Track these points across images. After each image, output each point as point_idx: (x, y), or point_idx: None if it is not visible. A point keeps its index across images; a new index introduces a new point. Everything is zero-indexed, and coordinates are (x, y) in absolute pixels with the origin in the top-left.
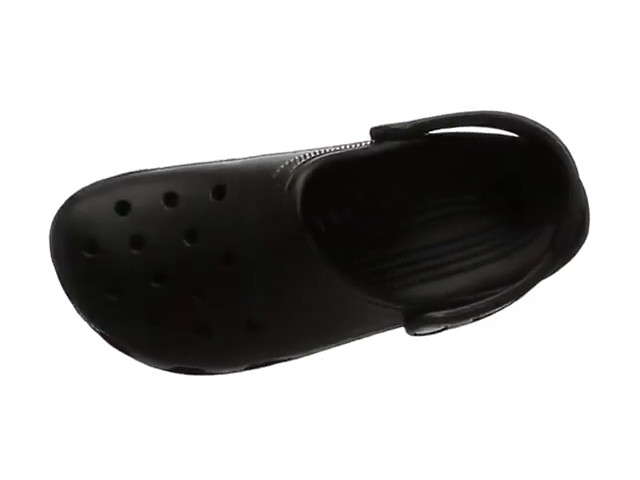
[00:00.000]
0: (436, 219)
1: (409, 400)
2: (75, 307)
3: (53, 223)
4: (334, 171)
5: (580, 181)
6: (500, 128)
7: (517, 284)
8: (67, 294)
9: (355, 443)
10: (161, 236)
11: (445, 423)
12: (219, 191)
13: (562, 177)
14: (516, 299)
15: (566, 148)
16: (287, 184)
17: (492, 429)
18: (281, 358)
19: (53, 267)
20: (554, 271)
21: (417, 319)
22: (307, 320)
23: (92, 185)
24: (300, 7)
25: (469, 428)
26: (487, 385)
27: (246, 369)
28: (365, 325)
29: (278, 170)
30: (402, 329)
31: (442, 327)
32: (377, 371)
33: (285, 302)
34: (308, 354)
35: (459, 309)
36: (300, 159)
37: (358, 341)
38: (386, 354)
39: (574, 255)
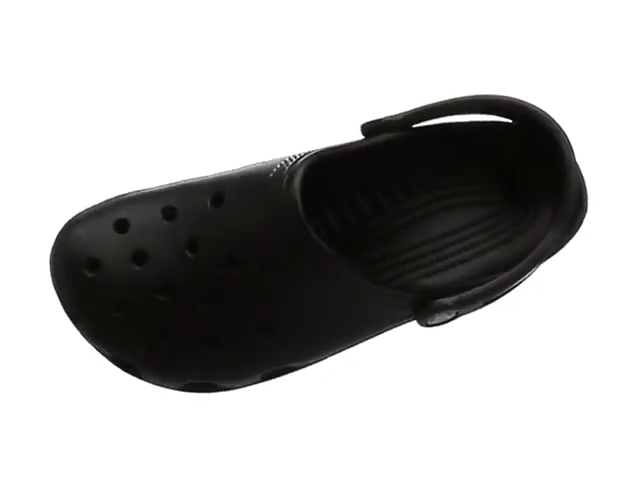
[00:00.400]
0: (434, 212)
1: (413, 401)
2: (80, 329)
3: (53, 249)
4: (329, 168)
5: (576, 162)
6: (493, 113)
7: (522, 263)
8: (71, 316)
9: (368, 452)
10: (163, 249)
11: (455, 424)
12: (217, 198)
13: (558, 159)
14: (523, 278)
15: (561, 129)
16: (284, 181)
17: (503, 424)
18: (295, 364)
19: (55, 292)
20: (557, 249)
21: (427, 307)
22: (317, 318)
23: (89, 208)
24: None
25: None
26: (493, 379)
27: (260, 380)
28: (377, 318)
29: (275, 170)
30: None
31: (453, 314)
32: (377, 378)
33: (293, 301)
34: (322, 357)
35: (469, 292)
36: (295, 157)
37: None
38: (385, 359)
39: (575, 232)
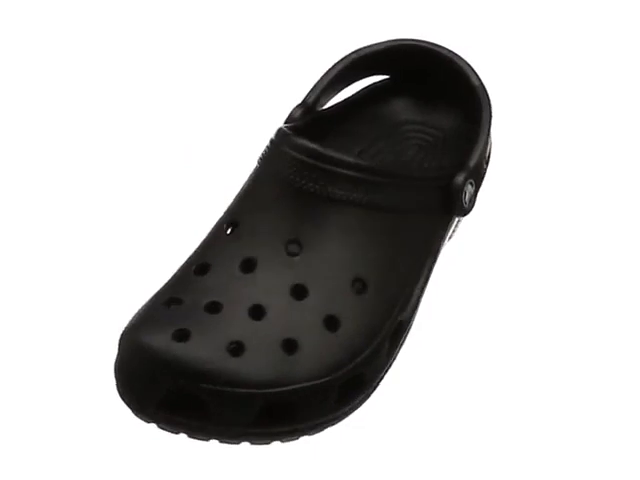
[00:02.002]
0: None
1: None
2: (216, 405)
3: (118, 361)
4: None
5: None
6: (400, 62)
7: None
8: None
9: None
10: (228, 295)
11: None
12: (233, 223)
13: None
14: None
15: (462, 59)
16: (280, 146)
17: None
18: (402, 315)
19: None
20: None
21: (451, 190)
22: (393, 250)
23: (130, 320)
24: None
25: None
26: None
27: (388, 350)
28: (420, 215)
29: (258, 163)
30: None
31: (474, 186)
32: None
33: (361, 240)
34: (415, 296)
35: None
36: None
37: None
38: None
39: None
